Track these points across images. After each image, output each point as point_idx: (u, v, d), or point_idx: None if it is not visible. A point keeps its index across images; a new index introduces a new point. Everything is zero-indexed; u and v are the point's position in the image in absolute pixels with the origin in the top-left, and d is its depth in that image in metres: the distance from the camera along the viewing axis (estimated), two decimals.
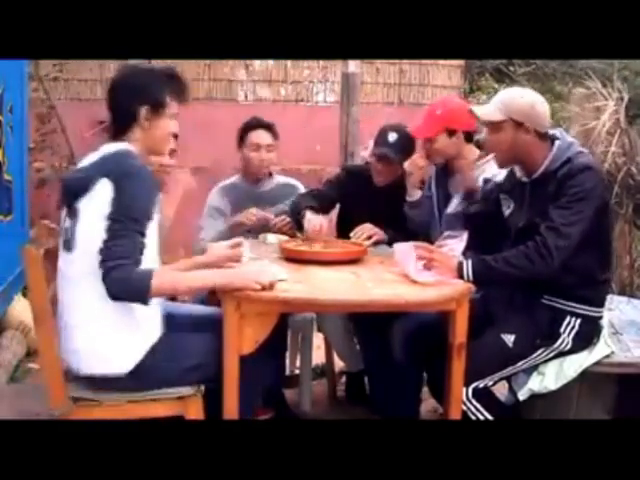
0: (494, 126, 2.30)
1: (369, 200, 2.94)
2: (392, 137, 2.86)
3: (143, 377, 1.94)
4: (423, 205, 2.78)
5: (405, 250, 2.25)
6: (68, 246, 1.95)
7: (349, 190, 3.05)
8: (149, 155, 2.10)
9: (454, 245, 2.29)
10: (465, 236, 2.30)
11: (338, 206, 3.15)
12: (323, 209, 2.93)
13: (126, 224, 1.85)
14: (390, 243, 2.78)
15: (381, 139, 2.90)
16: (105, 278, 1.82)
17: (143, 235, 1.87)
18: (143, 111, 2.00)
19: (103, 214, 1.86)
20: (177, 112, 2.08)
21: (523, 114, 2.25)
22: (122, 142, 2.01)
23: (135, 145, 2.01)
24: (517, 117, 2.25)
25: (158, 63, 2.23)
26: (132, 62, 2.21)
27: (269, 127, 3.03)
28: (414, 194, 2.80)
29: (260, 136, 3.01)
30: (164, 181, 2.45)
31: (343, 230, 2.99)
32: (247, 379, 1.98)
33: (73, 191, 1.94)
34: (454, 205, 2.72)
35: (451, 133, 2.67)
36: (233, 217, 2.99)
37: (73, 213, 1.94)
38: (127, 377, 1.93)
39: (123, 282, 1.82)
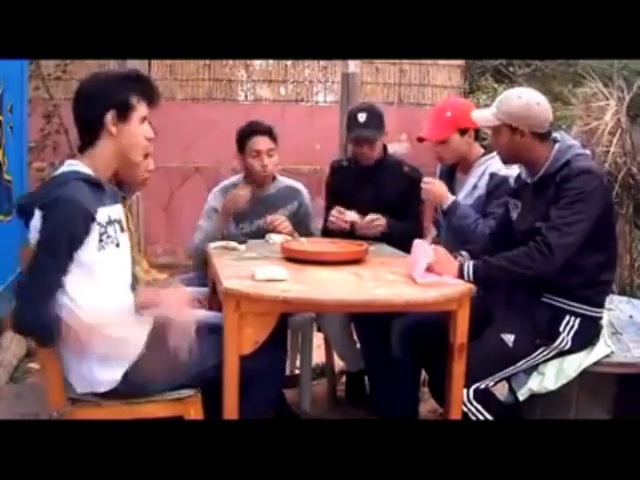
0: (493, 129, 2.34)
1: (358, 184, 3.01)
2: (362, 117, 2.93)
3: (127, 390, 1.94)
4: (457, 210, 2.68)
5: (422, 249, 2.24)
6: None
7: (341, 185, 3.10)
8: (122, 164, 2.01)
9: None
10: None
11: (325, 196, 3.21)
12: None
13: (41, 262, 1.78)
14: (390, 233, 2.82)
15: (352, 123, 2.97)
16: (15, 315, 1.80)
17: (61, 269, 1.80)
18: (108, 116, 1.89)
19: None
20: (147, 115, 1.97)
21: (516, 118, 2.26)
22: (78, 159, 1.93)
23: (103, 157, 1.93)
24: (510, 121, 2.26)
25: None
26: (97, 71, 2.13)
27: (268, 132, 2.98)
28: (445, 201, 2.73)
29: (260, 142, 2.95)
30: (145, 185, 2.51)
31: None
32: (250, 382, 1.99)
33: (23, 218, 1.88)
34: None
35: (463, 132, 2.71)
36: (222, 208, 2.93)
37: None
38: (111, 392, 1.93)
39: (28, 326, 1.80)
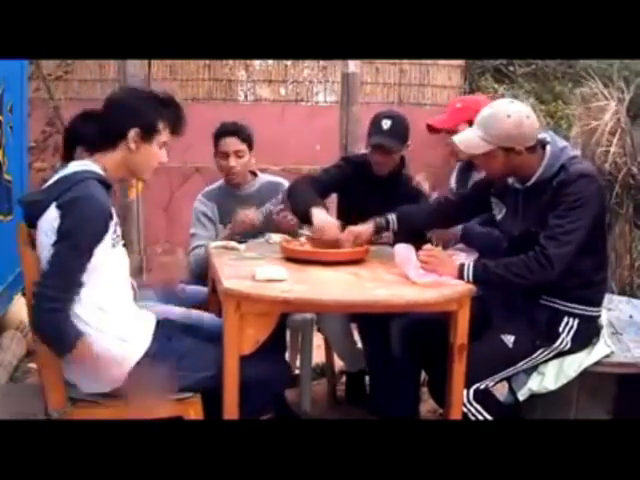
0: (482, 154, 2.24)
1: (369, 191, 2.89)
2: (386, 124, 2.78)
3: (133, 389, 1.93)
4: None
5: (405, 252, 2.25)
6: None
7: (349, 181, 2.97)
8: (130, 175, 2.06)
9: (462, 260, 2.29)
10: (476, 255, 2.31)
11: (336, 197, 3.10)
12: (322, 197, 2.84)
13: (64, 258, 1.79)
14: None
15: (375, 127, 2.82)
16: (35, 315, 1.80)
17: (83, 266, 1.82)
18: (132, 132, 1.93)
19: (50, 243, 1.81)
20: (167, 141, 2.02)
21: (511, 139, 2.16)
22: (90, 160, 1.94)
23: (113, 164, 1.95)
24: (505, 144, 2.17)
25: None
26: (133, 84, 2.15)
27: (237, 133, 2.95)
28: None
29: (227, 143, 2.94)
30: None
31: (343, 222, 2.94)
32: (251, 382, 1.99)
33: (30, 216, 1.89)
34: None
35: (472, 124, 2.65)
36: (229, 227, 2.92)
37: (36, 238, 1.89)
38: (116, 391, 1.93)
39: (51, 328, 1.81)
